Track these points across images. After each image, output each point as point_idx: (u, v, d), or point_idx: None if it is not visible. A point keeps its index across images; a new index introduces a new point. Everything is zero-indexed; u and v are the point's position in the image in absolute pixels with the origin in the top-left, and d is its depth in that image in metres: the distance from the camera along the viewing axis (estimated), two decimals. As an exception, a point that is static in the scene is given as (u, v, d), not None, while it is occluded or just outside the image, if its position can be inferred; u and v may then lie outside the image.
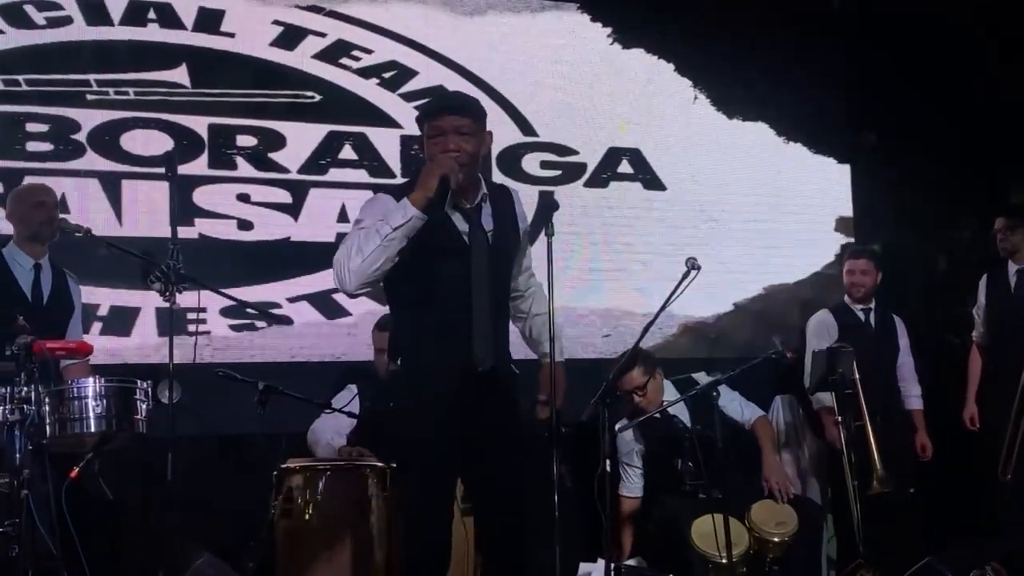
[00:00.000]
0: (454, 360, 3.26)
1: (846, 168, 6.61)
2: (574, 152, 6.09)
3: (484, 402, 3.28)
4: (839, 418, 5.05)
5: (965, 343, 5.90)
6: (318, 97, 5.66)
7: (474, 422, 3.26)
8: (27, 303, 4.37)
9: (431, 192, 3.15)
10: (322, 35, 5.72)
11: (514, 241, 3.46)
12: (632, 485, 4.98)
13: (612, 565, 4.19)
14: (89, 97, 5.28)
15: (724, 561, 4.23)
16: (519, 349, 3.58)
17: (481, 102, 3.53)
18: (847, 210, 6.57)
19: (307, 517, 4.05)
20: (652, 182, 6.23)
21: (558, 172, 6.04)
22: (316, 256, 5.47)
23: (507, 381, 3.40)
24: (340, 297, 5.51)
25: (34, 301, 4.44)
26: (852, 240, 6.48)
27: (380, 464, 4.25)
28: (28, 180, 5.01)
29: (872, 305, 5.66)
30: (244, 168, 5.51)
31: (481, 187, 3.38)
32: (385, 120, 5.76)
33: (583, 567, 4.55)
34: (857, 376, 5.03)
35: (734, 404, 5.06)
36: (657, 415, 4.78)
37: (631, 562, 4.67)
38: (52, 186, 4.74)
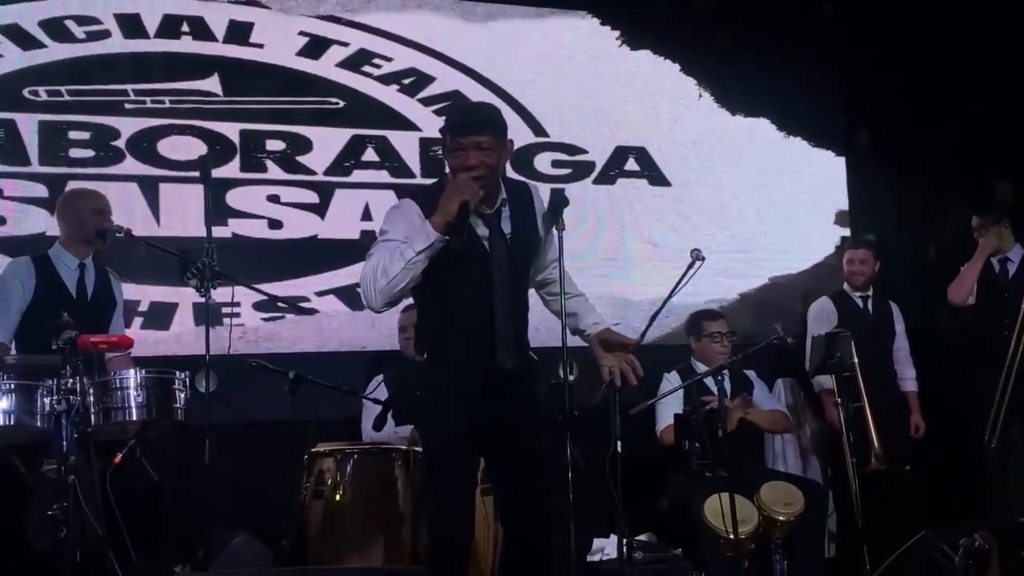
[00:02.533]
0: (477, 360, 3.25)
1: (843, 161, 6.55)
2: (583, 151, 6.07)
3: (506, 394, 3.26)
4: (838, 400, 5.01)
5: (955, 327, 5.86)
6: (342, 103, 5.65)
7: (496, 411, 3.24)
8: (73, 301, 4.37)
9: (451, 217, 3.15)
10: (345, 44, 5.71)
11: (534, 239, 3.44)
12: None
13: (624, 541, 4.18)
14: (127, 106, 5.29)
15: (733, 537, 4.20)
16: (535, 338, 3.54)
17: (497, 107, 3.50)
18: (845, 203, 6.51)
19: (337, 498, 4.05)
20: (657, 178, 6.20)
21: (568, 170, 6.02)
22: (342, 252, 5.48)
23: (527, 375, 3.39)
24: (364, 290, 5.51)
25: (79, 299, 4.44)
26: (849, 231, 6.43)
27: (404, 447, 4.25)
28: (71, 185, 5.03)
29: (870, 293, 5.64)
30: (274, 171, 5.51)
31: (500, 192, 3.36)
32: (405, 124, 5.75)
33: (597, 543, 4.54)
34: (856, 360, 5.00)
35: (760, 398, 5.20)
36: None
37: (642, 538, 4.65)
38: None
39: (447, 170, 3.36)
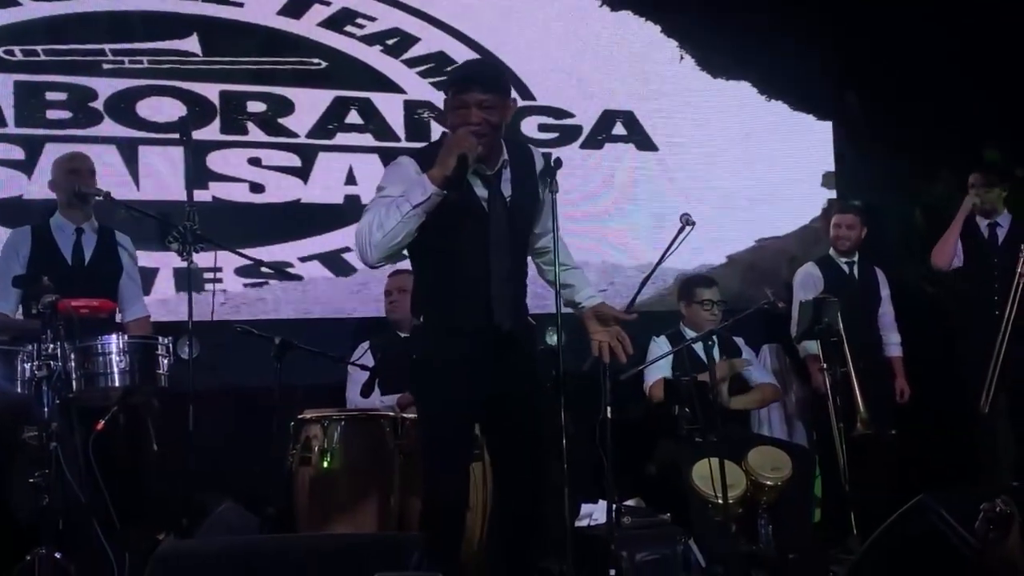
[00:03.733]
0: (475, 322, 3.20)
1: (827, 124, 6.52)
2: (570, 115, 6.00)
3: (503, 358, 3.22)
4: (824, 365, 5.03)
5: (939, 292, 5.87)
6: (324, 64, 5.55)
7: (494, 377, 3.21)
8: (66, 266, 4.36)
9: (449, 171, 3.08)
10: (327, 3, 5.60)
11: (535, 202, 3.39)
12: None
13: (613, 506, 4.16)
14: (105, 66, 5.17)
15: (721, 502, 4.19)
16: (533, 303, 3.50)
17: (501, 66, 3.43)
18: (831, 165, 6.48)
19: (325, 465, 4.01)
20: (644, 143, 6.15)
21: (556, 135, 5.95)
22: (325, 217, 5.43)
23: (525, 339, 3.36)
24: (349, 256, 5.46)
25: (74, 263, 4.42)
26: (835, 194, 6.40)
27: (393, 414, 4.20)
28: (48, 147, 4.96)
29: (856, 258, 5.62)
30: (255, 133, 5.42)
31: (502, 153, 3.30)
32: (389, 86, 5.66)
33: (585, 507, 4.52)
34: (841, 325, 5.00)
35: (748, 370, 5.19)
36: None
37: (630, 503, 4.63)
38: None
39: (446, 128, 3.29)
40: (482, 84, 3.21)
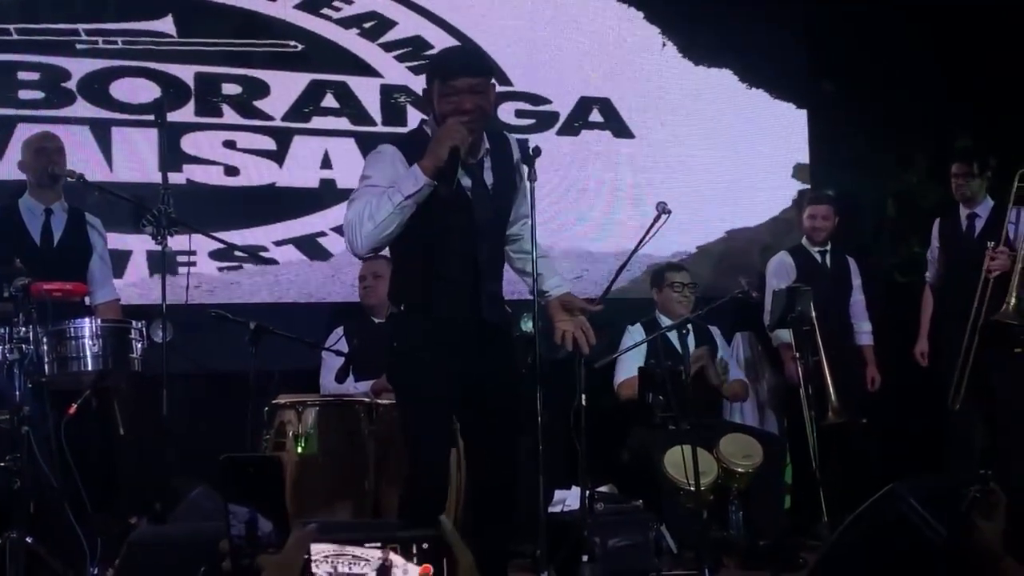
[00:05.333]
0: (456, 310, 3.21)
1: (804, 114, 6.54)
2: (547, 101, 5.98)
3: (484, 346, 3.23)
4: (797, 354, 5.06)
5: (913, 282, 5.91)
6: (300, 46, 5.50)
7: (474, 365, 3.21)
8: (35, 247, 4.33)
9: (441, 162, 3.08)
10: (303, -15, 5.56)
11: (514, 191, 3.40)
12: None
13: (586, 492, 4.18)
14: (78, 46, 5.11)
15: (693, 489, 4.22)
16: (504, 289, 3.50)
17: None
18: (804, 156, 6.51)
19: (299, 450, 4.01)
20: (621, 130, 6.14)
21: (532, 121, 5.94)
22: (300, 201, 5.40)
23: (504, 326, 3.37)
24: (324, 240, 5.44)
25: (43, 245, 4.39)
26: (808, 186, 6.43)
27: (367, 399, 4.20)
28: (20, 127, 4.89)
29: (828, 247, 5.65)
30: (230, 115, 5.37)
31: (483, 142, 3.30)
32: (366, 69, 5.63)
33: (558, 494, 4.54)
34: (814, 314, 5.03)
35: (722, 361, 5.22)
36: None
37: (603, 489, 4.65)
38: (43, 133, 4.62)
39: (431, 115, 3.28)
40: (472, 69, 3.21)
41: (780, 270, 5.60)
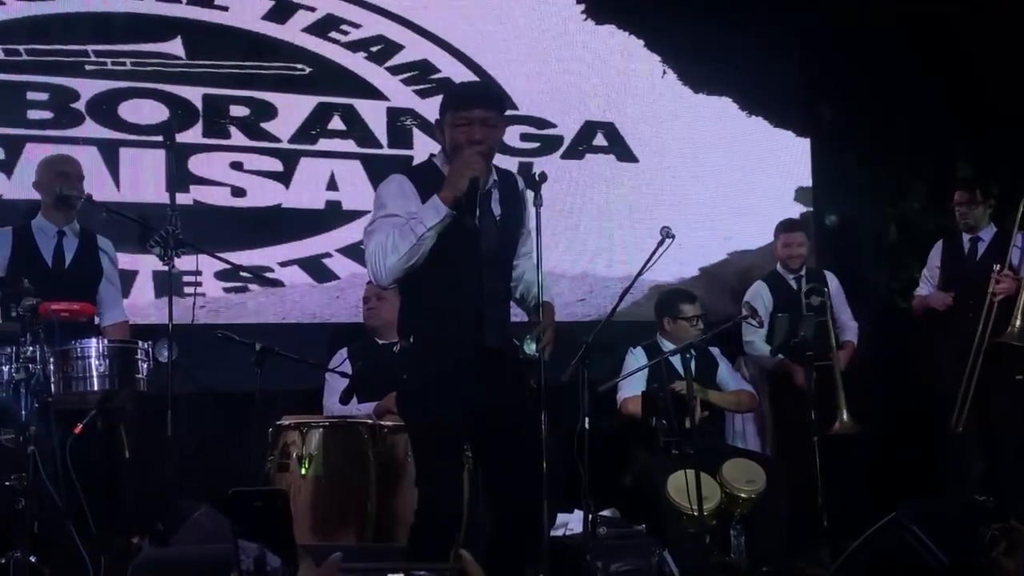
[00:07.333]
0: (464, 339, 3.22)
1: (805, 141, 6.56)
2: (552, 125, 6.01)
3: (493, 375, 3.24)
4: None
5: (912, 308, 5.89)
6: (308, 69, 5.53)
7: (486, 392, 3.22)
8: (46, 269, 4.35)
9: (461, 192, 3.12)
10: (312, 9, 5.58)
11: (519, 225, 3.44)
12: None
13: (589, 516, 4.17)
14: (87, 67, 5.13)
15: (696, 513, 4.21)
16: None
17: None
18: (805, 180, 6.52)
19: (303, 471, 4.00)
20: (625, 154, 6.17)
21: (537, 144, 5.96)
22: (306, 222, 5.42)
23: (512, 356, 3.37)
24: (329, 261, 5.46)
25: (55, 266, 4.41)
26: (809, 209, 6.45)
27: (371, 421, 4.20)
28: (29, 147, 4.92)
29: (803, 272, 5.64)
30: (237, 137, 5.39)
31: (491, 174, 3.34)
32: (372, 92, 5.65)
33: (561, 518, 4.52)
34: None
35: (725, 376, 5.21)
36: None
37: (605, 513, 4.64)
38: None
39: (443, 145, 3.33)
40: (485, 102, 3.27)
41: (756, 300, 5.53)
